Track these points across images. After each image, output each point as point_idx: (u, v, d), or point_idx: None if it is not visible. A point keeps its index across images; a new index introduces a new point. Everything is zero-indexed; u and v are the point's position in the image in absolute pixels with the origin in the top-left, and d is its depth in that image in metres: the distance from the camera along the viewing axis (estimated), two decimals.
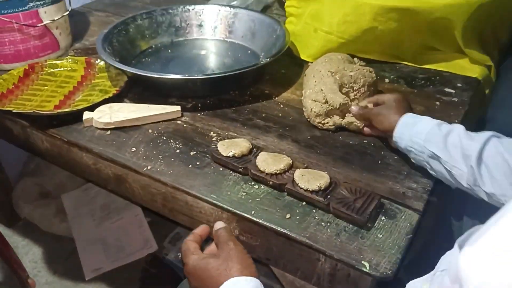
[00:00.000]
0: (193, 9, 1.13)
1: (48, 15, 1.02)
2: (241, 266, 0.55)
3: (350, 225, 0.63)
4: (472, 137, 0.63)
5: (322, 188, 0.65)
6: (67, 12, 1.08)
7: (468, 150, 0.61)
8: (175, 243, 1.26)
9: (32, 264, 1.26)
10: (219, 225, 0.62)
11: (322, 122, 0.82)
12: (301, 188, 0.66)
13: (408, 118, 0.69)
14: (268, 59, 0.89)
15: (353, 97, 0.83)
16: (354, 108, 0.78)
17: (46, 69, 1.01)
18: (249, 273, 0.54)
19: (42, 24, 1.01)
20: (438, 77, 0.98)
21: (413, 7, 0.92)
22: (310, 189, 0.65)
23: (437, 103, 0.90)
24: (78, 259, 1.22)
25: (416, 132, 0.67)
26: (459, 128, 0.65)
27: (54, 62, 1.02)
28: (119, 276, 1.23)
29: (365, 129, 0.80)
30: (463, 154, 0.62)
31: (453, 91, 0.93)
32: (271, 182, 0.69)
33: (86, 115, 0.83)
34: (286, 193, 0.68)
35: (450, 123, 0.68)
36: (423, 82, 0.97)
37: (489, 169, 0.60)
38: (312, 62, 1.00)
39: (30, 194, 1.33)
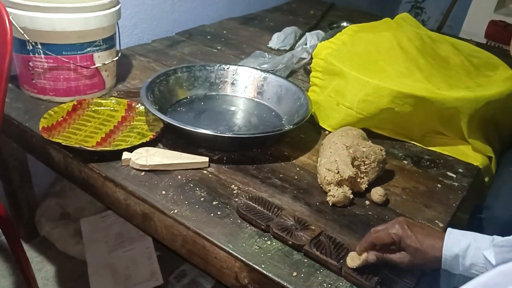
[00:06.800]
0: (228, 68, 1.26)
1: (100, 59, 1.15)
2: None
3: None
4: None
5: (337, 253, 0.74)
6: (116, 58, 1.21)
7: None
8: (180, 279, 1.33)
9: (44, 281, 1.33)
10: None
11: (332, 191, 0.90)
12: (317, 251, 0.74)
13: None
14: (292, 126, 1.00)
15: (363, 170, 0.93)
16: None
17: (91, 106, 1.12)
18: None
19: (95, 66, 1.14)
20: (442, 160, 1.07)
21: (428, 97, 1.03)
22: (325, 253, 0.74)
23: (439, 185, 0.98)
24: (87, 282, 1.28)
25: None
26: None
27: (99, 100, 1.14)
28: None
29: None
30: None
31: (455, 176, 1.02)
32: (290, 242, 0.77)
33: (125, 155, 0.93)
34: (295, 252, 0.76)
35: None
36: (428, 163, 1.06)
37: None
38: (330, 131, 1.11)
39: (52, 213, 1.42)
